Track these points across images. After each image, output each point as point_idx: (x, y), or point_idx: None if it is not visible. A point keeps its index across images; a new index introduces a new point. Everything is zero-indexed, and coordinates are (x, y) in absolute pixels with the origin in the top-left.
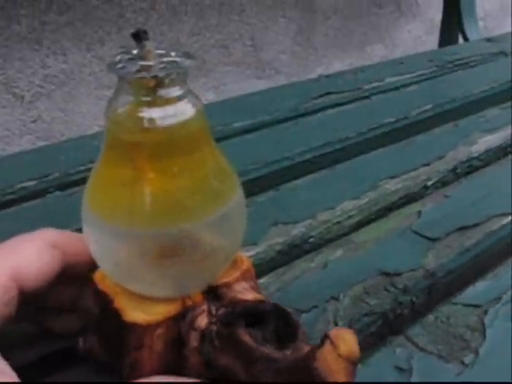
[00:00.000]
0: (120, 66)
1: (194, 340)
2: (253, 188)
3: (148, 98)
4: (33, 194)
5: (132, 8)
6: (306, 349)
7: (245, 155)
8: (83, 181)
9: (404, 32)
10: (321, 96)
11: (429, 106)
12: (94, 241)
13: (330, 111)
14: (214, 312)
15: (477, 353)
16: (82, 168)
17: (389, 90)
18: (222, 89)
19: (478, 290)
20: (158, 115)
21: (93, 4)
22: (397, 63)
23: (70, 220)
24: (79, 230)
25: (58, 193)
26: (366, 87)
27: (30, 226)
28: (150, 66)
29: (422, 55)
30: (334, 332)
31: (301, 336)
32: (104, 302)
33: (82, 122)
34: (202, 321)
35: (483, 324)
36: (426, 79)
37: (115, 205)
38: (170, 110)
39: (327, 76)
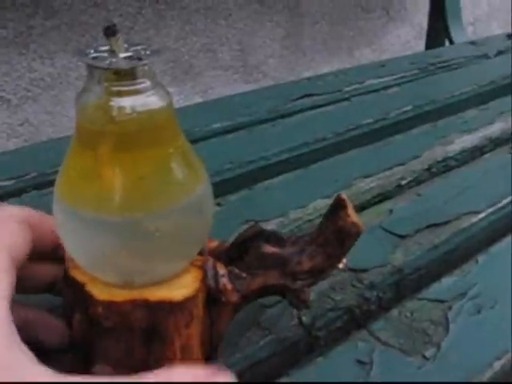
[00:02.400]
0: (90, 55)
1: (226, 283)
2: (227, 187)
3: (116, 89)
4: (9, 193)
5: (119, 12)
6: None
7: (222, 155)
8: None
9: (392, 36)
10: (301, 98)
11: (408, 108)
12: (63, 229)
13: (309, 113)
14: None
15: (439, 347)
16: (60, 168)
17: (369, 91)
18: (210, 93)
19: (443, 285)
20: (125, 105)
21: (79, 8)
22: (378, 66)
23: None
24: None
25: (34, 192)
26: (347, 89)
27: None
28: (118, 58)
29: (405, 58)
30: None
31: None
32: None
33: (69, 125)
34: (221, 267)
35: (447, 319)
36: (408, 81)
37: (82, 193)
38: (137, 100)
39: (308, 78)
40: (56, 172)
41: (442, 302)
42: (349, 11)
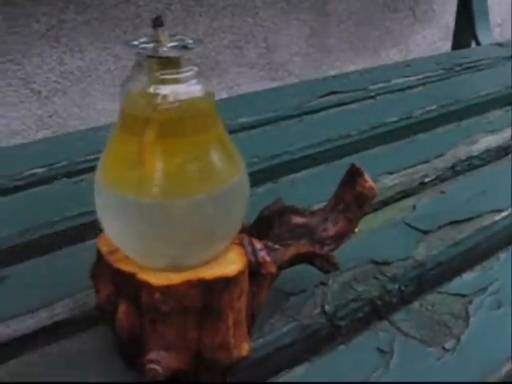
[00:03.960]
0: (138, 44)
1: (264, 256)
2: (252, 180)
3: (161, 77)
4: (41, 181)
5: (148, 8)
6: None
7: (248, 149)
8: (89, 169)
9: (418, 37)
10: (326, 95)
11: (433, 107)
12: (106, 216)
13: (334, 110)
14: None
15: (458, 339)
16: (89, 157)
17: (394, 91)
18: (236, 89)
19: (465, 280)
20: (169, 93)
21: (110, 3)
22: (404, 66)
23: (75, 205)
24: (83, 214)
25: (65, 180)
26: (372, 87)
27: (37, 209)
28: (164, 48)
29: (431, 58)
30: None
31: None
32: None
33: (96, 118)
34: (257, 242)
35: (467, 313)
36: (433, 81)
37: (125, 178)
38: (180, 88)
39: (334, 76)
40: (85, 161)
41: (462, 296)
42: (375, 11)
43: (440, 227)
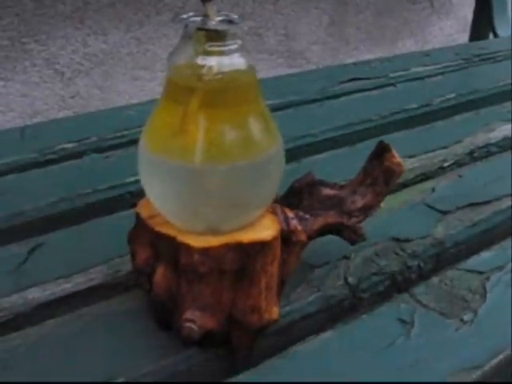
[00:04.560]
0: (187, 18)
1: (296, 224)
2: None
3: (208, 48)
4: (71, 155)
5: None
6: None
7: None
8: (118, 146)
9: (436, 29)
10: (348, 81)
11: (452, 95)
12: (149, 180)
13: (355, 95)
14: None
15: (476, 312)
16: (118, 134)
17: (414, 79)
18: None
19: (482, 258)
20: (213, 64)
21: None
22: (423, 55)
23: (104, 179)
24: (113, 188)
25: (94, 155)
26: (392, 75)
27: (69, 182)
28: (212, 21)
29: (450, 49)
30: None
31: None
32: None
33: (117, 100)
34: (289, 211)
35: (485, 288)
36: (452, 71)
37: (169, 144)
38: (225, 60)
39: (355, 63)
40: (114, 138)
41: (480, 273)
42: (394, 1)
43: (458, 208)
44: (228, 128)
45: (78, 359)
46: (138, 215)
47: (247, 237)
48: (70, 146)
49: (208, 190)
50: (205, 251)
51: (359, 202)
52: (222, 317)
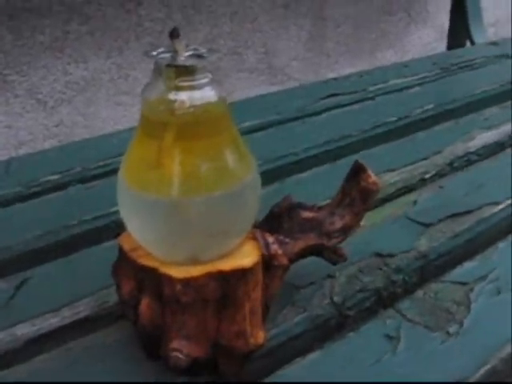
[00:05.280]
0: (156, 54)
1: (276, 249)
2: None
3: (178, 84)
4: (56, 187)
5: (149, 17)
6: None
7: (253, 152)
8: (102, 175)
9: (414, 38)
10: (327, 97)
11: (430, 106)
12: (128, 213)
13: (335, 111)
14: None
15: (461, 324)
16: (101, 163)
17: (393, 91)
18: (236, 95)
19: (465, 269)
20: (185, 99)
21: (112, 14)
22: (402, 66)
23: (89, 209)
24: (99, 218)
25: (79, 185)
26: (371, 89)
27: (54, 214)
28: (181, 57)
29: (427, 59)
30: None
31: None
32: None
33: (102, 126)
34: (269, 236)
35: (469, 299)
36: (430, 81)
37: (145, 178)
38: (196, 94)
39: (334, 78)
40: (98, 167)
41: (464, 284)
42: (371, 14)
43: (440, 220)
44: (202, 160)
45: None
46: (120, 248)
47: (228, 264)
48: (54, 177)
49: (186, 221)
50: (187, 282)
51: (338, 222)
52: (208, 344)
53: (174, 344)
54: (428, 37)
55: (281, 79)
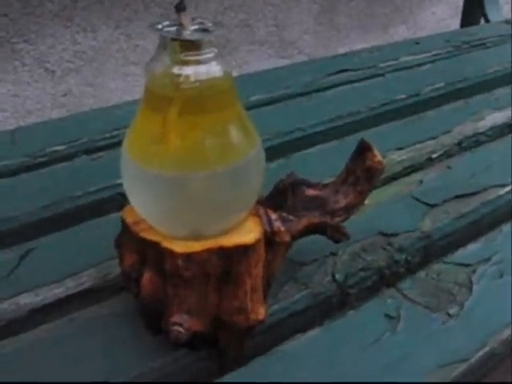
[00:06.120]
0: (161, 28)
1: (279, 226)
2: (265, 156)
3: (183, 58)
4: (62, 158)
5: None
6: None
7: (260, 127)
8: (108, 146)
9: (428, 14)
10: (336, 73)
11: (441, 84)
12: (131, 187)
13: (344, 87)
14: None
15: (462, 306)
16: (107, 135)
17: (403, 68)
18: (245, 68)
19: (469, 251)
20: (190, 73)
21: None
22: (413, 43)
23: (94, 181)
24: (103, 189)
25: (84, 157)
26: (381, 65)
27: (59, 185)
28: (187, 31)
29: (440, 36)
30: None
31: None
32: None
33: (109, 96)
34: (272, 213)
35: (471, 281)
36: (441, 59)
37: (149, 152)
38: (201, 69)
39: (344, 54)
40: (104, 139)
41: (466, 265)
42: None
43: (446, 201)
44: (206, 135)
45: (70, 364)
46: (123, 221)
47: (230, 241)
48: (60, 148)
49: (188, 197)
50: (188, 256)
51: (342, 201)
52: (209, 319)
53: (175, 318)
54: (442, 13)
55: (291, 53)
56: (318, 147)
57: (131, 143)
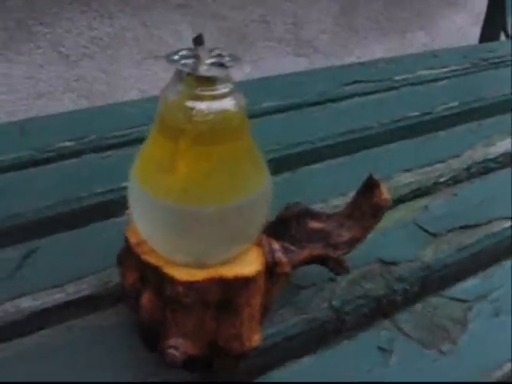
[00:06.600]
0: (178, 59)
1: (281, 257)
2: (270, 169)
3: (198, 93)
4: (70, 154)
5: None
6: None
7: (269, 135)
8: (117, 145)
9: (448, 22)
10: (351, 83)
11: (455, 103)
12: (137, 210)
13: (357, 99)
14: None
15: (455, 343)
16: (117, 134)
17: (419, 83)
18: (260, 63)
19: (467, 286)
20: (204, 108)
21: None
22: (431, 56)
23: (101, 181)
24: (111, 191)
25: (93, 155)
26: (397, 78)
27: (66, 182)
28: (203, 66)
29: (458, 50)
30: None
31: None
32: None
33: (122, 84)
34: (275, 243)
35: (466, 318)
36: (458, 75)
37: (157, 180)
38: (215, 104)
39: (361, 63)
40: (114, 137)
41: (463, 301)
42: None
43: (449, 231)
44: (216, 169)
45: (63, 374)
46: (126, 239)
47: (231, 271)
48: (69, 144)
49: (193, 228)
50: (189, 284)
51: (346, 235)
52: (205, 343)
53: (172, 341)
54: (462, 21)
55: (307, 52)
56: (326, 163)
57: (141, 168)
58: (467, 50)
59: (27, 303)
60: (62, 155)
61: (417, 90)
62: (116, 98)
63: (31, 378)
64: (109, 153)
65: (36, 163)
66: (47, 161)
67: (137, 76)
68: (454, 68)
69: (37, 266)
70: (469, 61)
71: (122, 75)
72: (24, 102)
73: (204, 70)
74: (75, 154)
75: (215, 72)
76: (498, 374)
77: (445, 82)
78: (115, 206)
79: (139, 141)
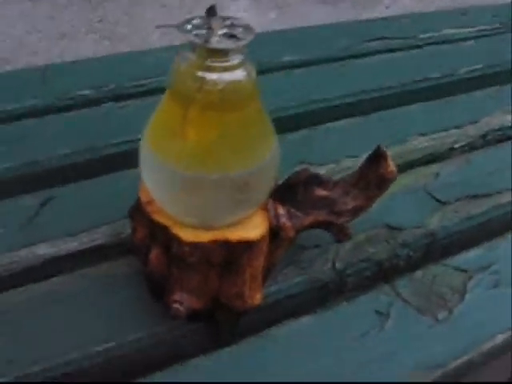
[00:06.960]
0: (190, 29)
1: (285, 222)
2: (287, 125)
3: (209, 64)
4: (90, 102)
5: None
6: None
7: (287, 91)
8: (135, 95)
9: None
10: (374, 39)
11: (478, 66)
12: (147, 174)
13: (379, 56)
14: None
15: (451, 312)
16: (136, 83)
17: (443, 42)
18: (286, 10)
19: (469, 256)
20: (215, 79)
21: None
22: (459, 14)
23: (119, 129)
24: (128, 142)
25: (111, 103)
26: (421, 36)
27: (84, 131)
28: (215, 38)
29: (488, 8)
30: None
31: None
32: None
33: (144, 26)
34: (280, 208)
35: (465, 288)
36: (485, 36)
37: (167, 145)
38: (226, 75)
39: (385, 18)
40: (133, 86)
41: (464, 271)
42: None
43: (458, 199)
44: (224, 137)
45: (74, 320)
46: (138, 197)
47: (236, 234)
48: (88, 92)
49: (200, 194)
50: (195, 245)
51: (350, 203)
52: (208, 299)
53: (176, 296)
54: None
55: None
56: (342, 122)
57: (152, 130)
58: (498, 9)
59: (42, 250)
60: (81, 103)
61: (441, 50)
62: (138, 41)
63: (44, 323)
64: (127, 102)
65: (55, 110)
66: (66, 109)
67: (159, 18)
68: (482, 28)
69: (53, 214)
70: (499, 20)
71: (144, 17)
72: (46, 42)
73: (216, 41)
74: (94, 102)
75: (227, 44)
76: (487, 346)
77: (471, 42)
78: (131, 157)
79: (158, 91)
